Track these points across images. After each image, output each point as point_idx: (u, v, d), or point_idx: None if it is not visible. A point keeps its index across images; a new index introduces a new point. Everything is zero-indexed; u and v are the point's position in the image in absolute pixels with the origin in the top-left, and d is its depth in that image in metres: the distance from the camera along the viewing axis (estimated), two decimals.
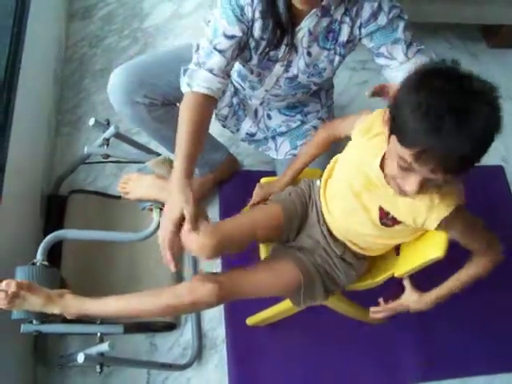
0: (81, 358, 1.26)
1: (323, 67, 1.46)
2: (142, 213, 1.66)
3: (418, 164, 0.94)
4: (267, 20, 1.32)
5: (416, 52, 1.39)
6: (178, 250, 1.23)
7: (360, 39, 1.41)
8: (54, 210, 1.72)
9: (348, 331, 1.67)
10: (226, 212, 1.81)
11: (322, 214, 1.32)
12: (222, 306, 1.67)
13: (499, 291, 1.78)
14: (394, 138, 0.99)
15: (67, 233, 1.44)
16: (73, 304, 1.24)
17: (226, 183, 1.87)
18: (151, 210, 1.41)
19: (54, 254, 1.61)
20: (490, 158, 1.99)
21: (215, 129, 1.76)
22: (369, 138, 1.18)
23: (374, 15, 1.35)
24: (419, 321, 1.69)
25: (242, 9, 1.29)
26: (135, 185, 1.42)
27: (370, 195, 1.18)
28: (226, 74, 1.34)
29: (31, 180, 1.68)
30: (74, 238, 1.43)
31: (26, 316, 1.29)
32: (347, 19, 1.36)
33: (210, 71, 1.31)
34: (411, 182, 0.99)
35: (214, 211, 1.83)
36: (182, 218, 1.21)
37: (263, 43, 1.36)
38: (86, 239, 1.44)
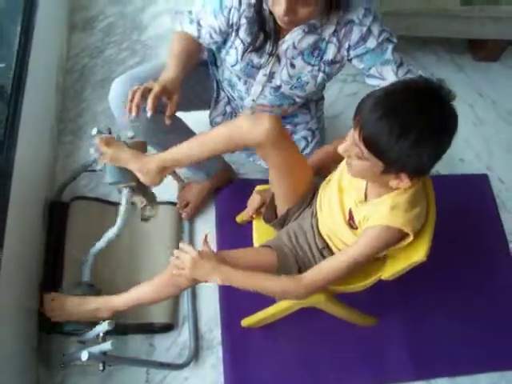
0: (84, 355, 1.33)
1: (306, 81, 1.54)
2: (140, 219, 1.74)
3: (354, 117, 1.11)
4: (252, 25, 1.42)
5: (406, 72, 1.47)
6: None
7: (350, 60, 1.49)
8: (57, 215, 1.78)
9: (340, 332, 1.73)
10: (222, 218, 1.89)
11: (316, 210, 1.43)
12: (218, 309, 1.73)
13: (490, 291, 1.87)
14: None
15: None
16: (102, 303, 1.49)
17: (222, 190, 1.94)
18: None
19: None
20: (474, 167, 2.11)
21: None
22: None
23: (363, 38, 1.43)
24: (409, 321, 1.78)
25: (220, 6, 1.43)
26: (113, 150, 1.42)
27: (348, 195, 1.31)
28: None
29: (35, 187, 1.73)
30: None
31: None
32: (334, 40, 1.45)
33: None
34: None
35: (210, 217, 1.91)
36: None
37: (248, 47, 1.46)
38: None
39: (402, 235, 1.23)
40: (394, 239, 1.23)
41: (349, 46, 1.45)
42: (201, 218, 1.90)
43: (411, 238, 1.22)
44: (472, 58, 2.40)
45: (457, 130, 1.07)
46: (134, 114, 1.34)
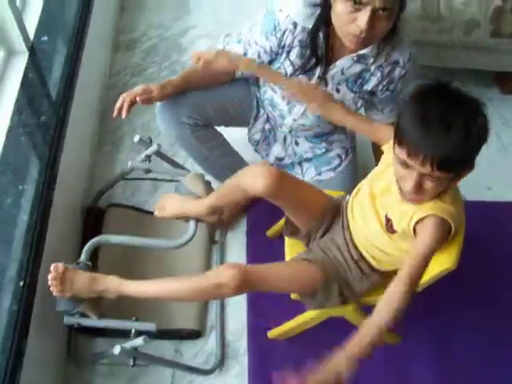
0: (117, 349, 1.35)
1: (348, 105, 1.60)
2: (175, 228, 1.80)
3: (410, 158, 1.11)
4: (304, 49, 1.49)
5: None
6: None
7: (372, 93, 1.60)
8: (93, 220, 1.84)
9: None
10: (253, 232, 1.93)
11: (348, 221, 1.45)
12: (245, 320, 1.76)
13: None
14: (396, 145, 1.16)
15: (110, 238, 1.56)
16: (114, 284, 1.38)
17: (255, 204, 1.94)
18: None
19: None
20: (502, 195, 2.12)
21: (248, 155, 1.91)
22: None
23: (398, 79, 1.54)
24: (435, 340, 1.77)
25: (274, 28, 1.49)
26: (170, 202, 1.60)
27: (383, 200, 1.33)
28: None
29: (73, 192, 1.81)
30: (116, 243, 1.55)
31: (69, 308, 1.41)
32: (378, 74, 1.53)
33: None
34: (409, 180, 1.15)
35: (241, 230, 1.95)
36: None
37: (298, 69, 1.52)
38: (125, 244, 1.56)
39: (448, 230, 1.24)
40: (446, 232, 1.24)
41: (386, 83, 1.55)
42: (232, 231, 1.94)
43: (452, 232, 1.25)
44: (499, 90, 2.44)
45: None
46: (124, 115, 1.55)
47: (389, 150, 1.35)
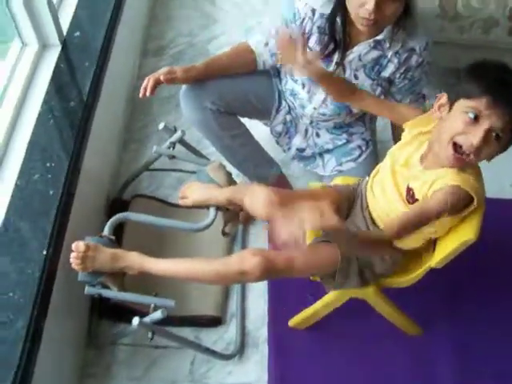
0: (135, 321, 1.36)
1: None
2: (197, 220, 1.82)
3: (490, 110, 1.13)
4: (323, 35, 1.53)
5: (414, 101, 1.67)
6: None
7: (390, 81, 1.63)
8: (118, 210, 1.86)
9: (386, 338, 1.70)
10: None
11: (367, 200, 1.45)
12: (266, 308, 1.75)
13: None
14: (460, 101, 1.18)
15: (133, 215, 1.60)
16: (136, 260, 1.39)
17: None
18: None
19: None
20: None
21: (268, 147, 1.93)
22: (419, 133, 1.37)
23: (416, 68, 1.57)
24: (457, 334, 1.73)
25: (294, 16, 1.56)
26: (192, 191, 1.62)
27: (403, 173, 1.34)
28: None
29: (99, 183, 1.86)
30: (138, 221, 1.58)
31: (90, 279, 1.43)
32: (396, 60, 1.56)
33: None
34: (476, 134, 1.16)
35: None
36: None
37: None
38: (148, 223, 1.59)
39: (466, 202, 1.25)
40: (460, 202, 1.25)
41: (404, 71, 1.58)
42: (254, 222, 1.94)
43: (474, 205, 1.25)
44: None
45: None
46: (148, 93, 1.61)
47: (411, 126, 1.39)
